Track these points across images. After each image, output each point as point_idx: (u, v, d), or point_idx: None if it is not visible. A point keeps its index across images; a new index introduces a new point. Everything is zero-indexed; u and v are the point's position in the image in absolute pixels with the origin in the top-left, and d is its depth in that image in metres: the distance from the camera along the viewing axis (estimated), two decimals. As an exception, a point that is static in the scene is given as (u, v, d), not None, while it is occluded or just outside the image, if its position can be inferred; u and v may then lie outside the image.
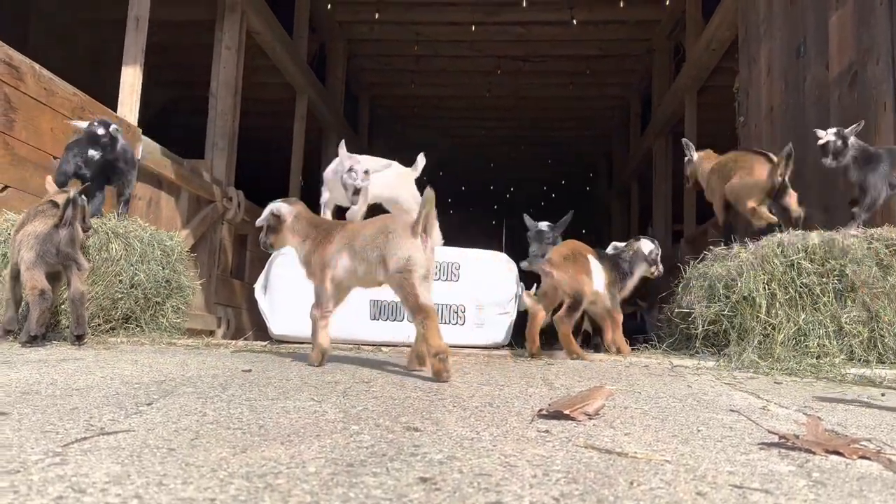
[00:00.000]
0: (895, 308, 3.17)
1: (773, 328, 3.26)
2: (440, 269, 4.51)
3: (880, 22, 3.93)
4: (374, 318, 4.26)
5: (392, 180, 4.49)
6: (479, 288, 4.52)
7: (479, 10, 9.78)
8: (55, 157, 4.20)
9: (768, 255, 3.40)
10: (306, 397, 1.75)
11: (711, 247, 3.98)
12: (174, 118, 10.97)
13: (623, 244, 4.16)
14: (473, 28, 10.04)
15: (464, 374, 2.46)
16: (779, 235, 3.56)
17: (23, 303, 3.18)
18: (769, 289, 3.32)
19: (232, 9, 7.20)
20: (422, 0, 9.67)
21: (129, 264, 3.78)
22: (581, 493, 0.96)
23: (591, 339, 4.68)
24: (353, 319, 4.09)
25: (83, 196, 3.31)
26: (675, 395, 2.05)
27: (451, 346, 4.15)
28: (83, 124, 3.73)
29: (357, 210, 4.18)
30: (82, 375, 2.03)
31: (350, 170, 3.83)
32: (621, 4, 9.15)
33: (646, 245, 4.02)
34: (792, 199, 3.91)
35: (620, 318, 3.94)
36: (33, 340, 2.90)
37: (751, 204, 3.91)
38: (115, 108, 5.13)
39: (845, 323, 3.18)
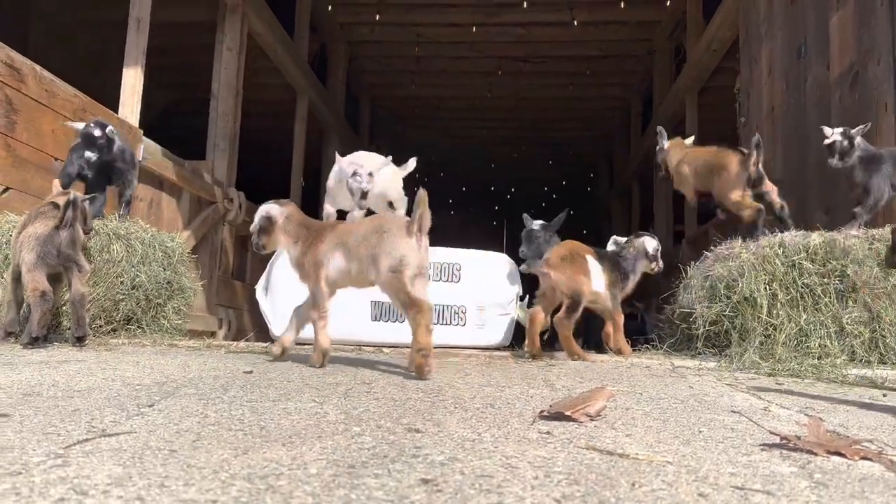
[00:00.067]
0: (896, 308, 3.17)
1: (775, 329, 3.26)
2: (441, 270, 4.50)
3: (881, 22, 3.93)
4: (376, 319, 4.26)
5: (388, 177, 4.48)
6: (480, 289, 4.52)
7: (480, 12, 9.78)
8: (56, 159, 4.20)
9: (769, 256, 3.40)
10: (308, 399, 1.75)
11: (713, 247, 3.98)
12: (175, 119, 10.98)
13: (624, 239, 4.15)
14: (474, 29, 10.05)
15: (465, 375, 2.46)
16: (780, 235, 3.56)
17: (24, 304, 3.19)
18: (770, 289, 3.32)
19: (233, 10, 7.20)
20: (422, 1, 9.68)
21: (130, 265, 3.79)
22: (583, 495, 0.96)
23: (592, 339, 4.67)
24: (355, 320, 4.09)
25: (86, 200, 3.32)
26: (677, 396, 2.05)
27: (452, 347, 4.17)
28: (80, 126, 3.73)
29: (358, 212, 4.17)
30: (84, 377, 2.03)
31: (354, 174, 3.83)
32: (622, 5, 9.15)
33: (647, 241, 4.00)
34: (769, 188, 3.99)
35: (621, 319, 3.93)
36: (35, 342, 2.90)
37: (735, 197, 3.97)
38: (116, 110, 5.13)
39: (846, 323, 3.18)
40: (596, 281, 3.69)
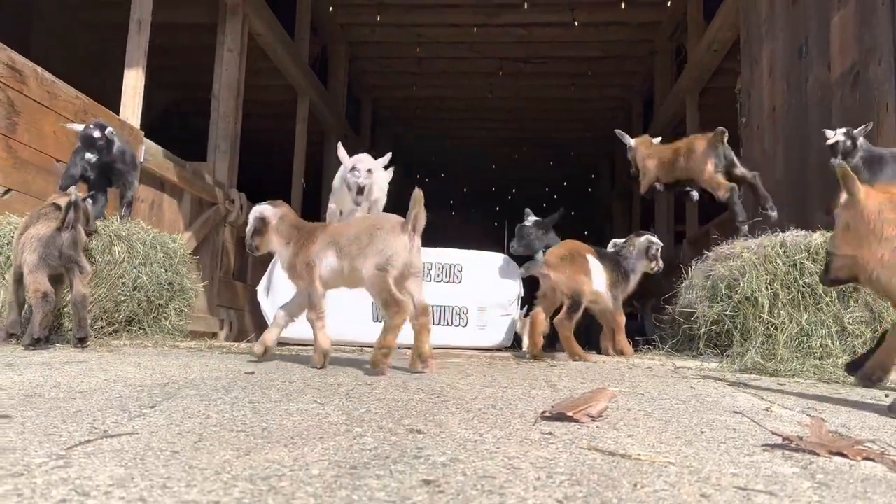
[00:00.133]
0: (898, 309, 3.17)
1: (776, 328, 3.25)
2: (442, 271, 4.51)
3: (882, 22, 3.93)
4: (377, 320, 4.26)
5: (382, 177, 4.49)
6: (482, 289, 4.52)
7: (481, 12, 9.79)
8: (58, 160, 4.21)
9: (771, 255, 3.40)
10: (309, 399, 1.75)
11: (714, 247, 3.98)
12: (176, 120, 10.99)
13: (622, 240, 4.15)
14: (475, 30, 10.05)
15: (466, 376, 2.46)
16: (781, 235, 3.56)
17: (25, 306, 3.19)
18: (772, 289, 3.32)
19: (233, 11, 7.21)
20: (423, 2, 9.68)
21: (131, 267, 3.79)
22: (585, 496, 0.96)
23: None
24: (356, 321, 4.09)
25: (87, 199, 3.32)
26: (679, 397, 2.05)
27: (453, 348, 4.16)
28: (79, 127, 3.74)
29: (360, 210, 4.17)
30: (85, 378, 2.03)
31: (353, 169, 3.83)
32: (623, 6, 9.15)
33: (648, 240, 3.99)
34: (742, 169, 4.15)
35: (623, 320, 3.92)
36: (36, 343, 2.90)
37: (707, 175, 4.13)
38: (117, 111, 5.14)
39: (848, 323, 3.18)
40: (597, 280, 3.69)
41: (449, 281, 4.50)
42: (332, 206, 4.16)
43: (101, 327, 3.65)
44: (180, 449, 1.17)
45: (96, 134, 3.66)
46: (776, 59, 5.40)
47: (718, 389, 2.29)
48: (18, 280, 3.14)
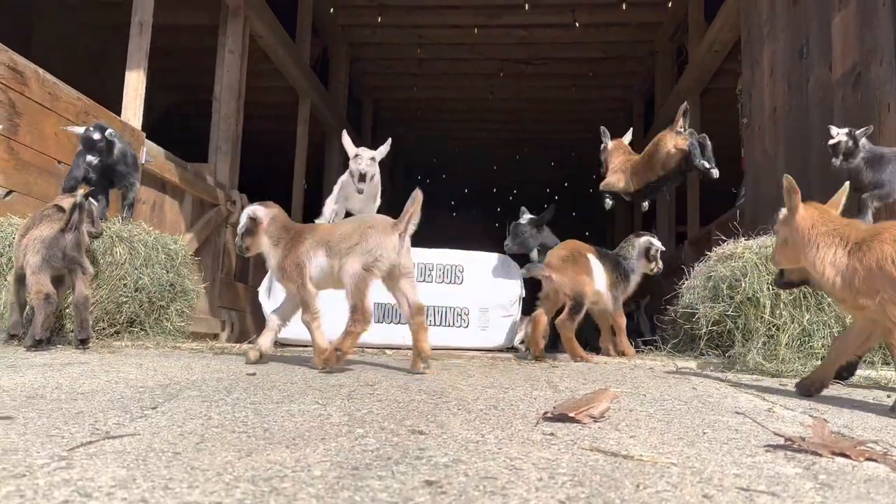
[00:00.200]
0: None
1: (778, 329, 3.25)
2: (444, 272, 4.51)
3: (883, 23, 3.92)
4: (378, 321, 4.26)
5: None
6: (483, 290, 4.52)
7: (482, 14, 9.79)
8: (60, 162, 4.21)
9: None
10: (311, 401, 1.75)
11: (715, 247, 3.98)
12: (177, 122, 11.00)
13: (624, 242, 4.14)
14: (476, 31, 10.05)
15: (468, 377, 2.46)
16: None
17: (27, 307, 3.19)
18: (773, 289, 3.31)
19: (235, 13, 7.22)
20: (424, 4, 9.68)
21: (133, 268, 3.79)
22: (587, 496, 0.96)
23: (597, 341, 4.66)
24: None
25: (91, 200, 3.33)
26: (680, 398, 2.05)
27: (454, 349, 4.16)
28: (80, 130, 3.74)
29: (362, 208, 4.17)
30: (87, 379, 2.03)
31: (356, 156, 3.87)
32: (623, 7, 9.15)
33: (647, 241, 3.99)
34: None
35: (624, 321, 3.92)
36: (38, 344, 2.90)
37: (667, 148, 4.22)
38: (118, 112, 5.14)
39: (850, 323, 3.17)
40: (598, 280, 3.68)
41: (450, 282, 4.50)
42: (332, 206, 4.16)
43: (103, 328, 3.66)
44: (182, 450, 1.17)
45: (96, 136, 3.66)
46: (777, 60, 5.40)
47: (720, 390, 2.28)
48: (20, 281, 3.14)
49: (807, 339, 3.19)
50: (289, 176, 9.68)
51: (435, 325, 4.42)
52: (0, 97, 3.79)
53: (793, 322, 3.23)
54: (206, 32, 7.85)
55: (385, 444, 1.26)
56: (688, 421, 1.63)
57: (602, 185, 4.69)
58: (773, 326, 3.27)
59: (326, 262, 2.61)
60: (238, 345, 3.95)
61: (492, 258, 4.66)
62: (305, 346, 3.71)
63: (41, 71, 4.14)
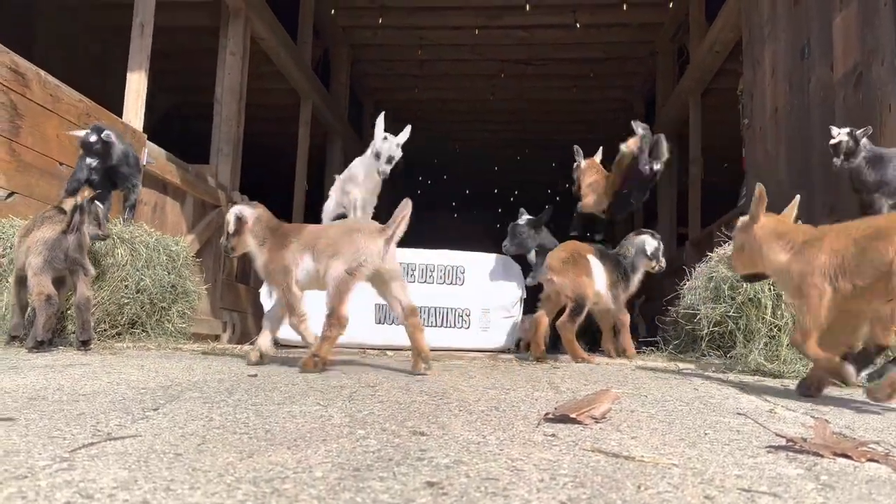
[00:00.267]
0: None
1: (779, 330, 3.25)
2: (445, 273, 4.51)
3: (885, 23, 3.92)
4: (379, 322, 4.26)
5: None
6: (484, 291, 4.52)
7: (482, 15, 9.79)
8: (61, 164, 4.22)
9: (774, 257, 3.39)
10: (312, 402, 1.75)
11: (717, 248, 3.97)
12: (178, 124, 11.01)
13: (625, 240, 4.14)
14: (476, 32, 10.05)
15: (469, 378, 2.46)
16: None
17: (29, 308, 3.19)
18: (774, 290, 3.31)
19: (236, 15, 7.22)
20: (425, 5, 9.68)
21: (134, 269, 3.80)
22: (588, 497, 0.96)
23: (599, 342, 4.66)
24: (358, 324, 4.09)
25: (98, 203, 3.33)
26: (682, 399, 2.05)
27: (456, 350, 4.16)
28: (81, 133, 3.74)
29: (365, 204, 4.16)
30: (89, 381, 2.03)
31: (385, 138, 3.93)
32: (624, 7, 9.15)
33: (644, 240, 3.97)
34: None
35: (627, 319, 3.92)
36: (40, 346, 2.91)
37: (630, 146, 4.30)
38: (120, 114, 5.15)
39: (851, 324, 3.16)
40: (599, 281, 3.68)
41: (451, 283, 4.50)
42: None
43: (105, 330, 3.66)
44: (184, 451, 1.17)
45: (92, 139, 3.66)
46: (778, 60, 5.39)
47: (722, 391, 2.28)
48: (21, 283, 3.15)
49: (809, 339, 3.19)
50: (290, 177, 9.69)
51: (436, 326, 4.42)
52: (2, 99, 3.80)
53: (794, 323, 3.22)
54: (207, 34, 7.85)
55: (386, 445, 1.26)
56: (689, 422, 1.63)
57: (581, 208, 4.72)
58: (775, 327, 3.27)
59: (312, 265, 2.63)
60: (240, 346, 3.95)
61: (493, 259, 4.67)
62: (306, 346, 3.71)
63: (43, 73, 4.15)
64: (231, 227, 2.79)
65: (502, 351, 4.47)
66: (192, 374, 2.28)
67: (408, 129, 4.11)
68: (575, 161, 4.82)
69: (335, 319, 2.46)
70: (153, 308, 3.91)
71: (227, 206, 6.85)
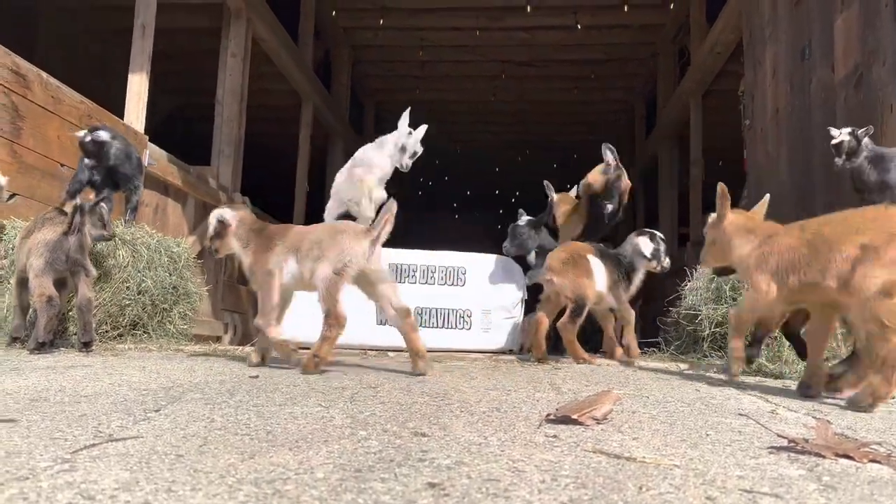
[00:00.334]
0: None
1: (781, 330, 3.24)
2: (446, 274, 4.51)
3: (886, 24, 3.92)
4: (381, 323, 4.26)
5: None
6: (485, 292, 4.52)
7: (484, 16, 9.80)
8: (63, 165, 4.22)
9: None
10: (314, 403, 1.75)
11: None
12: (180, 125, 11.01)
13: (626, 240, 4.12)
14: (478, 33, 10.06)
15: (471, 379, 2.46)
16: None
17: (30, 310, 3.20)
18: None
19: (237, 16, 7.23)
20: (426, 6, 9.69)
21: (136, 271, 3.80)
22: (590, 499, 0.96)
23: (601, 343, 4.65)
24: (359, 325, 4.09)
25: (102, 204, 3.34)
26: (684, 399, 2.05)
27: (457, 351, 4.16)
28: (80, 133, 3.74)
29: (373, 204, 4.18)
30: (90, 382, 2.03)
31: (410, 133, 3.99)
32: (625, 9, 9.16)
33: (642, 241, 3.92)
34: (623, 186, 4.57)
35: (632, 315, 3.84)
36: (41, 347, 2.91)
37: (591, 178, 4.53)
38: (121, 116, 5.15)
39: (853, 325, 3.16)
40: (599, 282, 3.65)
41: (453, 284, 4.50)
42: (333, 207, 4.17)
43: (106, 331, 3.66)
44: (185, 452, 1.17)
45: (88, 138, 3.66)
46: (779, 61, 5.39)
47: (723, 392, 2.28)
48: (22, 284, 3.15)
49: (810, 340, 3.18)
50: (291, 179, 9.70)
51: (437, 327, 4.42)
52: (3, 101, 3.81)
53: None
54: (208, 36, 7.86)
55: (388, 446, 1.26)
56: (691, 423, 1.63)
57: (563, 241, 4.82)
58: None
59: (297, 268, 2.64)
60: (241, 347, 3.95)
61: (494, 260, 4.67)
62: (308, 348, 3.71)
63: (44, 74, 4.16)
64: (211, 230, 2.80)
65: (503, 352, 4.47)
66: (194, 376, 2.29)
67: (424, 128, 4.16)
68: (548, 196, 4.96)
69: (333, 320, 2.47)
70: (154, 309, 3.91)
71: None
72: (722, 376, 2.85)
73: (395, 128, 4.16)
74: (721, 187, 2.64)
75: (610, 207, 4.42)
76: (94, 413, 1.52)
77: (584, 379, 2.60)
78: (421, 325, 4.40)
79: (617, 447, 1.31)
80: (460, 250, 4.71)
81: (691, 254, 7.58)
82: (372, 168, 4.12)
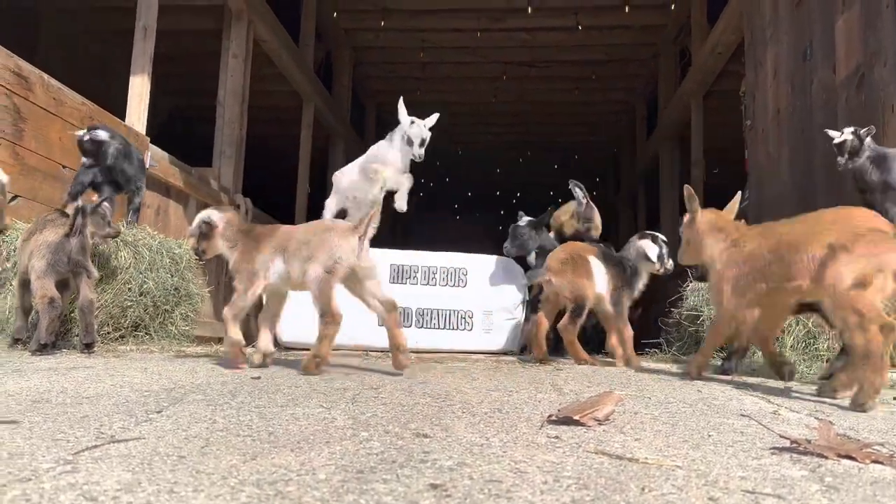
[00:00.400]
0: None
1: (783, 331, 3.24)
2: (448, 275, 4.51)
3: (887, 24, 3.92)
4: (382, 325, 4.25)
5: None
6: (487, 293, 4.51)
7: (485, 17, 9.80)
8: (64, 167, 4.23)
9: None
10: (315, 404, 1.75)
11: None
12: (181, 126, 11.02)
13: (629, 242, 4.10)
14: (479, 34, 10.06)
15: (472, 380, 2.46)
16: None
17: (32, 311, 3.20)
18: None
19: (238, 17, 7.24)
20: (427, 7, 9.69)
21: (138, 272, 3.80)
22: (592, 499, 0.96)
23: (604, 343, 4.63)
24: (361, 325, 4.09)
25: (105, 204, 3.34)
26: (685, 400, 2.05)
27: (458, 352, 4.16)
28: (79, 133, 3.74)
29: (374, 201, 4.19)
30: (92, 383, 2.03)
31: (413, 122, 4.01)
32: (626, 10, 9.15)
33: (646, 244, 3.87)
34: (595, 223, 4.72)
35: (630, 332, 3.72)
36: (43, 349, 2.91)
37: (562, 218, 4.83)
38: (123, 117, 5.16)
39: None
40: (599, 283, 3.61)
41: (454, 285, 4.50)
42: (332, 205, 4.18)
43: (108, 333, 3.66)
44: (187, 454, 1.17)
45: (86, 137, 3.65)
46: (780, 62, 5.39)
47: (725, 392, 2.28)
48: (24, 286, 3.15)
49: (812, 341, 3.19)
50: (292, 180, 9.70)
51: (439, 328, 4.42)
52: (5, 102, 3.81)
53: (798, 324, 3.22)
54: (209, 37, 7.87)
55: (389, 447, 1.26)
56: (693, 423, 1.63)
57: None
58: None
59: (283, 267, 2.65)
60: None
61: (495, 261, 4.66)
62: (305, 349, 3.71)
63: (46, 76, 4.16)
64: (197, 232, 2.80)
65: (505, 353, 4.47)
66: (196, 377, 2.29)
67: (435, 116, 4.18)
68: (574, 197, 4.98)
69: (329, 318, 2.49)
70: (156, 311, 3.91)
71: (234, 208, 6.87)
72: (720, 376, 2.85)
73: (398, 123, 4.21)
74: (687, 190, 2.75)
75: (593, 235, 4.61)
76: (96, 414, 1.52)
77: (586, 380, 2.60)
78: (422, 326, 4.40)
79: (619, 448, 1.31)
80: (461, 251, 4.70)
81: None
82: (386, 164, 4.15)
